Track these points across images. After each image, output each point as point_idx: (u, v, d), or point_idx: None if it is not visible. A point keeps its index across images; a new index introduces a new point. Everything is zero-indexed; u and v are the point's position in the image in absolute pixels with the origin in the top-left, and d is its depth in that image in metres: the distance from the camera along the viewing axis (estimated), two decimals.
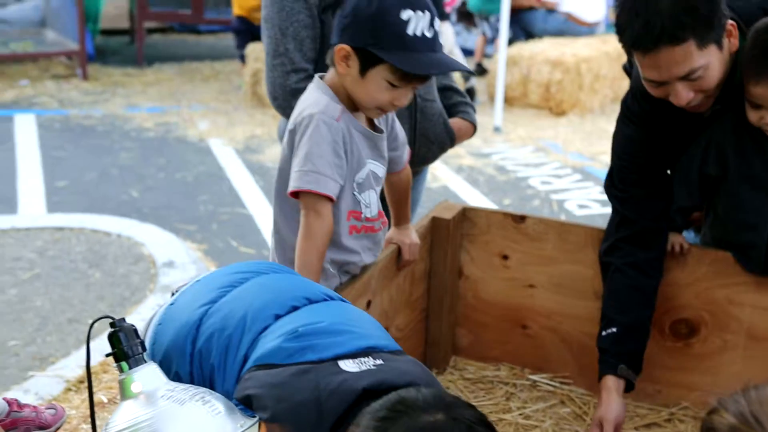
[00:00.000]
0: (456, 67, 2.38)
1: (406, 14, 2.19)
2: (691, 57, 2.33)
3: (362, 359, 1.76)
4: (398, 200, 2.71)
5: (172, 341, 1.93)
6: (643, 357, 2.79)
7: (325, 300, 2.00)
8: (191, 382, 1.87)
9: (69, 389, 3.31)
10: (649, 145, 2.73)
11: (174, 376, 1.88)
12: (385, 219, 2.59)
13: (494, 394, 3.03)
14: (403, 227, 2.75)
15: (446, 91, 3.01)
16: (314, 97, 2.35)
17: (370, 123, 2.47)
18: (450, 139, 2.92)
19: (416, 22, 2.21)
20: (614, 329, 2.77)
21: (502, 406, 2.95)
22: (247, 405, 1.70)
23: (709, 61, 2.37)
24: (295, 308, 1.92)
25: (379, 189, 2.54)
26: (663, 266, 2.84)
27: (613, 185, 2.84)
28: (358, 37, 2.23)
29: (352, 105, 2.38)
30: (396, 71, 2.22)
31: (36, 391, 3.30)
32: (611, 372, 2.73)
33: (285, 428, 1.64)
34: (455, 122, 2.94)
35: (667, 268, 2.88)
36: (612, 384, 2.71)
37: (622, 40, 2.43)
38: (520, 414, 2.91)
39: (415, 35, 2.20)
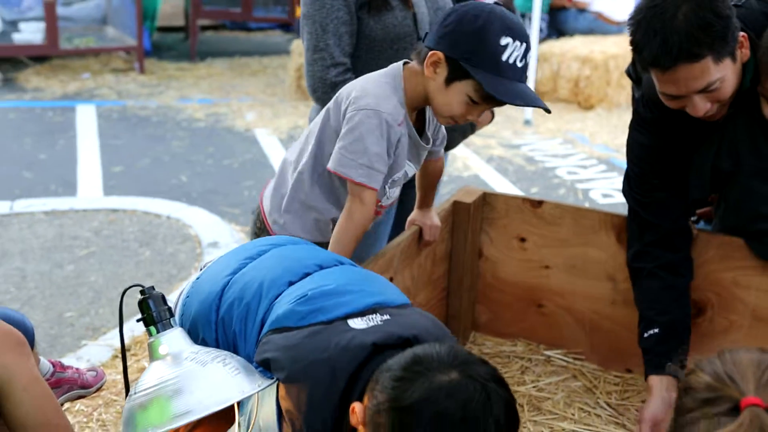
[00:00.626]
0: (537, 104, 2.33)
1: (505, 40, 2.18)
2: (708, 71, 2.30)
3: (369, 316, 1.81)
4: (427, 185, 2.73)
5: (198, 311, 1.99)
6: (687, 354, 2.74)
7: (336, 265, 2.05)
8: (217, 347, 1.92)
9: (116, 356, 3.36)
10: (664, 150, 2.69)
11: (201, 342, 1.93)
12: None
13: (510, 367, 3.04)
14: (425, 210, 2.77)
15: None
16: (384, 93, 2.34)
17: (419, 128, 2.48)
18: (471, 127, 2.93)
19: (512, 50, 2.20)
20: (656, 330, 2.72)
21: (517, 379, 2.97)
22: (266, 367, 1.74)
23: (725, 74, 2.34)
24: (307, 274, 1.97)
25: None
26: (692, 264, 2.81)
27: (632, 190, 2.80)
28: (455, 49, 2.22)
29: (414, 105, 2.39)
30: (479, 90, 2.21)
31: (88, 357, 3.37)
32: (655, 372, 2.68)
33: (301, 387, 1.68)
34: None
35: None
36: (655, 383, 2.66)
37: (639, 58, 2.39)
38: (534, 386, 2.93)
39: (508, 62, 2.19)
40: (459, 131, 2.90)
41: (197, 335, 1.94)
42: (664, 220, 2.76)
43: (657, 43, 2.28)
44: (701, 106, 2.38)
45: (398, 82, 2.37)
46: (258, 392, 1.60)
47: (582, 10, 9.08)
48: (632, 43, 2.39)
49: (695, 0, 2.29)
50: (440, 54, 2.23)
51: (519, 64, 2.22)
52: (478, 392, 1.50)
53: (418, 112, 2.47)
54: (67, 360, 3.33)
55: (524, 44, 2.23)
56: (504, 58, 2.18)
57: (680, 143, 2.68)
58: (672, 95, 2.41)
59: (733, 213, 2.80)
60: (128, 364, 3.23)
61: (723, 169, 2.68)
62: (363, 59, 2.73)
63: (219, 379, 1.56)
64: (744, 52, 2.41)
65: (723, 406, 1.32)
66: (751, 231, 2.76)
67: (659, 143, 2.70)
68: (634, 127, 2.77)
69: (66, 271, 4.21)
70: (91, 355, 3.40)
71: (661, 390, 2.64)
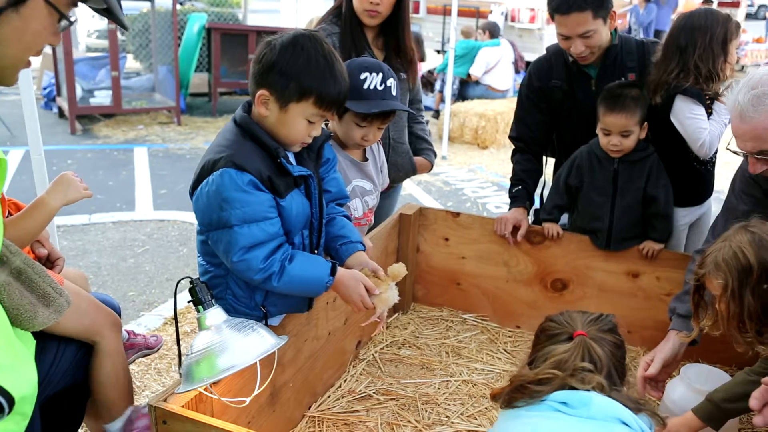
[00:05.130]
0: (392, 108, 2.15)
1: (363, 75, 2.11)
2: (588, 22, 2.49)
3: None
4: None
5: None
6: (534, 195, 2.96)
7: None
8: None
9: (166, 323, 3.29)
10: (535, 110, 2.87)
11: None
12: (371, 218, 2.43)
13: (439, 326, 3.02)
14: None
15: (420, 140, 2.92)
16: None
17: (362, 155, 2.34)
18: (412, 169, 2.84)
19: (371, 80, 2.11)
20: (519, 187, 2.90)
21: (444, 334, 2.96)
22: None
23: (598, 28, 2.52)
24: None
25: (371, 199, 2.38)
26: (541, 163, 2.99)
27: (516, 132, 2.96)
28: None
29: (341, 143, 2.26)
30: (356, 113, 2.12)
31: (145, 324, 3.29)
32: (516, 205, 2.89)
33: None
34: (419, 160, 2.87)
35: (549, 246, 2.89)
36: (519, 212, 2.87)
37: (548, 7, 2.56)
38: (455, 339, 2.91)
39: (368, 88, 2.10)
40: (403, 171, 2.81)
41: None
42: (528, 146, 2.93)
43: None
44: (579, 47, 2.56)
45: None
46: (277, 348, 1.54)
47: (477, 83, 9.13)
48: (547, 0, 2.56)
49: None
50: None
51: (379, 87, 2.11)
52: None
53: (363, 151, 2.36)
54: (130, 326, 3.24)
55: (380, 73, 2.12)
56: (365, 86, 2.10)
57: (543, 110, 2.85)
58: (564, 35, 2.57)
59: (579, 216, 2.84)
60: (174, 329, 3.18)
61: (572, 185, 2.73)
62: None
63: (251, 340, 1.50)
64: (611, 23, 2.59)
65: (562, 337, 1.56)
66: (588, 229, 2.80)
67: (533, 106, 2.86)
68: (522, 98, 2.90)
69: (128, 263, 4.10)
70: (147, 322, 3.32)
71: (516, 211, 2.87)
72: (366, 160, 2.37)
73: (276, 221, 1.74)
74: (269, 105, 1.73)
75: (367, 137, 2.19)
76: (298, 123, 1.73)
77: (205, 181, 1.71)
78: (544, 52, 2.88)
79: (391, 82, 2.14)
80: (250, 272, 1.71)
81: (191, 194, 1.77)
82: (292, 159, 1.85)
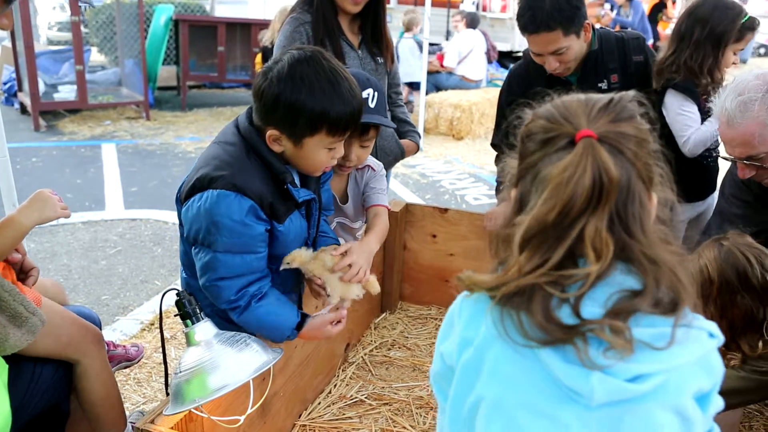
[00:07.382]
0: (367, 120, 1.95)
1: None
2: (558, 40, 2.34)
3: None
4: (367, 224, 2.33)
5: None
6: None
7: None
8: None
9: (143, 329, 3.16)
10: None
11: None
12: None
13: (427, 326, 2.96)
14: (361, 242, 2.02)
15: (402, 123, 2.84)
16: None
17: (342, 194, 2.23)
18: (401, 152, 2.76)
19: None
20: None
21: (433, 334, 2.88)
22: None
23: (570, 44, 2.38)
24: None
25: (358, 235, 2.30)
26: None
27: (498, 139, 2.81)
28: None
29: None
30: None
31: (121, 329, 3.15)
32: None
33: None
34: (405, 142, 2.80)
35: None
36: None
37: (518, 24, 2.43)
38: None
39: None
40: (392, 155, 2.72)
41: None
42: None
43: (528, 16, 2.34)
44: (553, 64, 2.43)
45: None
46: (272, 365, 1.44)
47: (450, 73, 9.05)
48: (517, 15, 2.44)
49: None
50: None
51: None
52: None
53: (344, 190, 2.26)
54: (105, 332, 3.10)
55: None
56: None
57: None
58: (535, 53, 2.45)
59: None
60: (152, 335, 3.04)
61: None
62: None
63: (244, 356, 1.40)
64: (586, 35, 2.45)
65: (560, 142, 1.02)
66: None
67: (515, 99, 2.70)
68: (504, 95, 2.78)
69: (100, 265, 3.94)
70: (123, 327, 3.17)
71: (506, 206, 2.65)
72: (346, 201, 2.23)
73: (262, 256, 1.65)
74: (282, 142, 1.63)
75: (349, 157, 2.01)
76: (318, 154, 1.64)
77: (199, 194, 1.60)
78: (516, 40, 2.80)
79: (367, 92, 1.99)
80: (218, 299, 1.64)
81: (180, 200, 1.67)
82: (296, 178, 1.75)
